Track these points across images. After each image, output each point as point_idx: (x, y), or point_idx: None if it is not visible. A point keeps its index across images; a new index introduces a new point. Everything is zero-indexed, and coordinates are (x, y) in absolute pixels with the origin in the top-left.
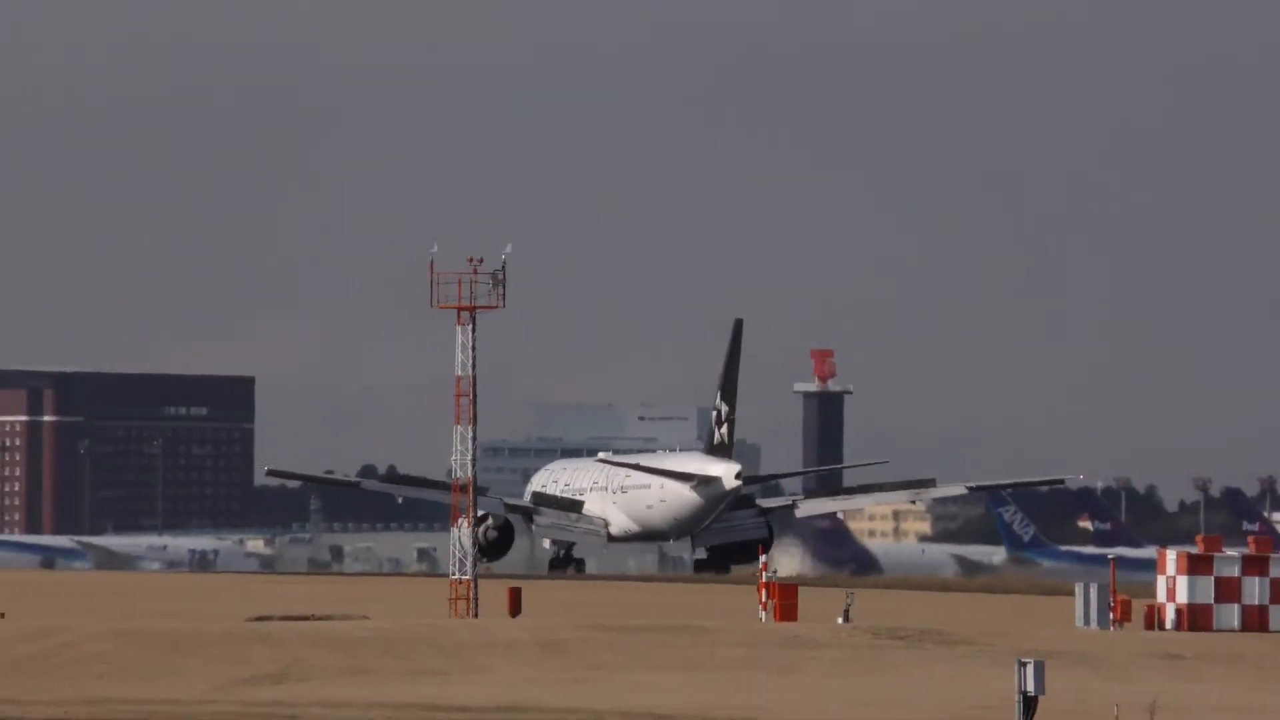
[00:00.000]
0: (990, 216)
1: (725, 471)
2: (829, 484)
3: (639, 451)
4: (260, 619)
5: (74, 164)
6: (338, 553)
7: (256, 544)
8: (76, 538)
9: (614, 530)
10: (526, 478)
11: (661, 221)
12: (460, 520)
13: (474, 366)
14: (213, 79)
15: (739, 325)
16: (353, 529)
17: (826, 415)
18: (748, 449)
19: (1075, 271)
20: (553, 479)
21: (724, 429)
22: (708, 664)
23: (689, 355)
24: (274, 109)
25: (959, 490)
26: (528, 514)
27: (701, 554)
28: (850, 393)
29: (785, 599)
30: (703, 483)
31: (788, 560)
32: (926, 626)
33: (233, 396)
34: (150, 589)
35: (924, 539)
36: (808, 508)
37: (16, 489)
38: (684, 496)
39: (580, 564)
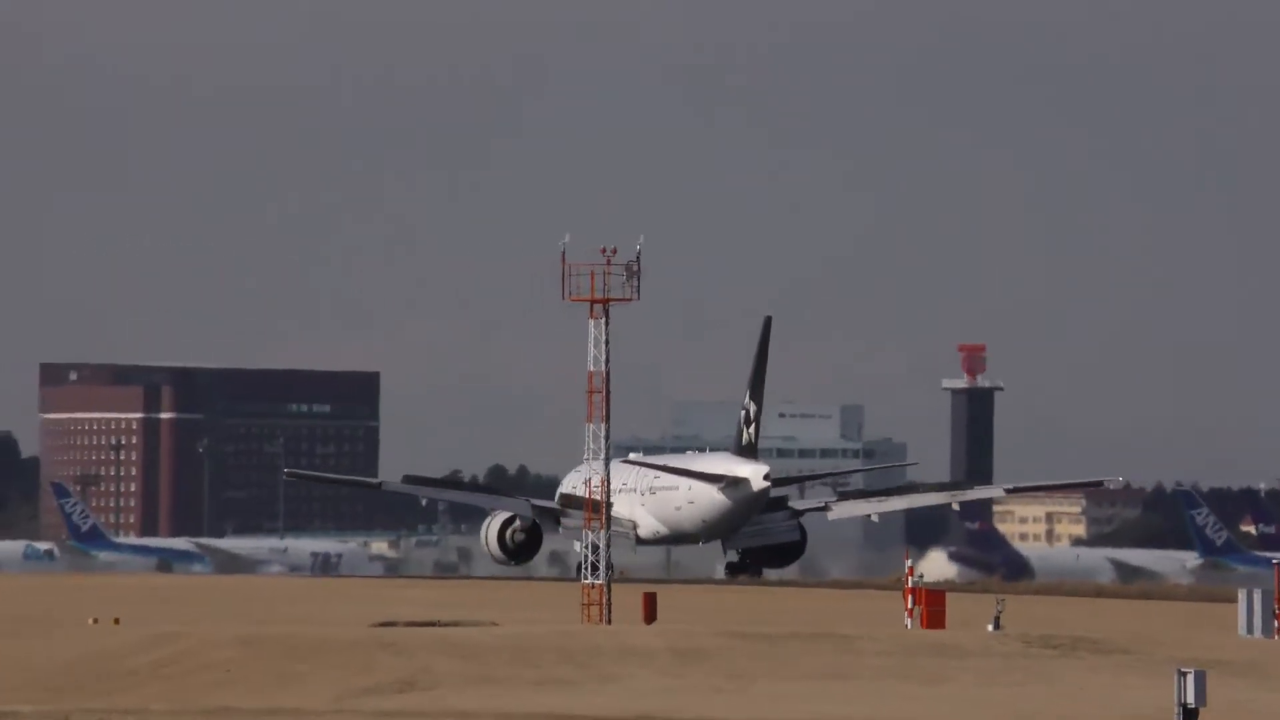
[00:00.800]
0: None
1: (753, 473)
2: (980, 477)
3: (778, 451)
4: (385, 625)
5: (201, 155)
6: (465, 555)
7: (381, 546)
8: (195, 540)
9: (642, 533)
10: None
11: (809, 219)
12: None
13: (607, 361)
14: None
15: (768, 323)
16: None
17: (976, 412)
18: (894, 448)
19: (1209, 270)
20: (583, 480)
21: (752, 429)
22: (852, 673)
23: (832, 352)
24: (444, 98)
25: (997, 492)
26: (555, 516)
27: (733, 557)
28: (1001, 389)
29: (933, 605)
30: (731, 484)
31: (936, 565)
32: (1081, 634)
33: (357, 393)
34: (272, 594)
35: (1078, 542)
36: (841, 510)
37: (132, 489)
38: (712, 498)
39: (609, 567)
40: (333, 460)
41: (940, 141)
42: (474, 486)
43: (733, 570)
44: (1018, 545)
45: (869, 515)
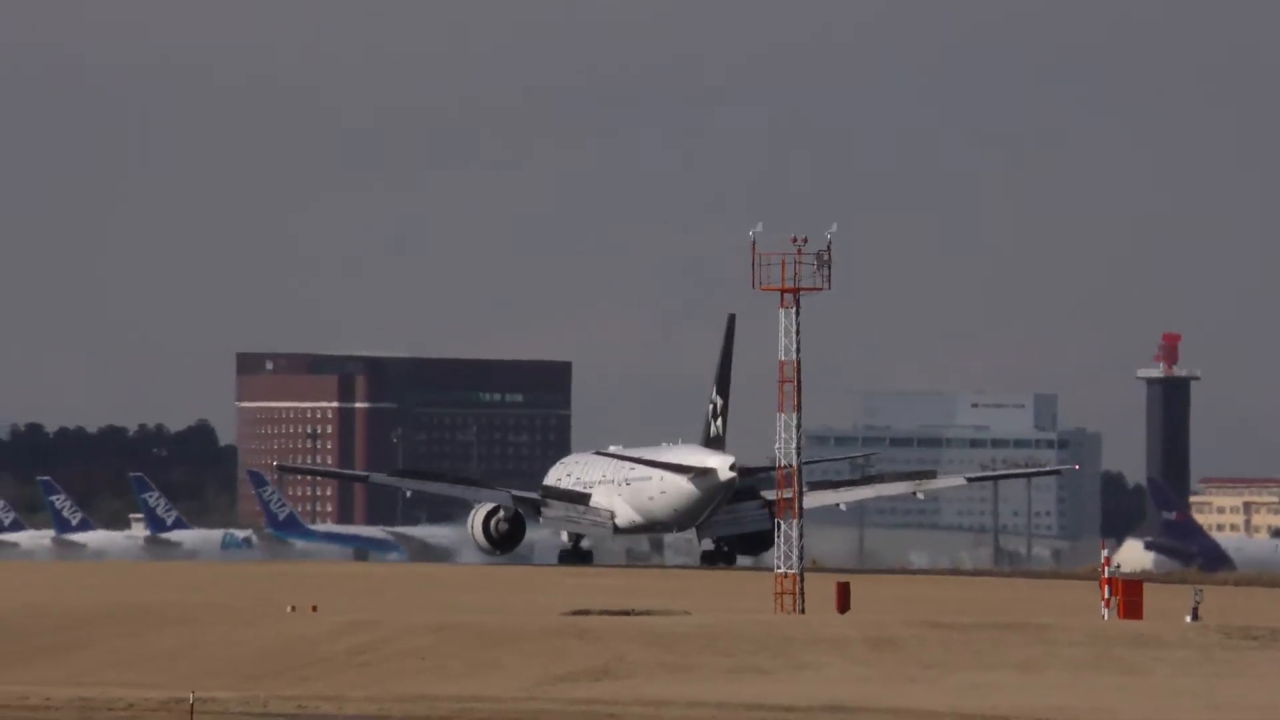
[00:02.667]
0: None
1: (720, 464)
2: (1176, 467)
3: (971, 441)
4: (579, 613)
5: (395, 145)
6: (658, 544)
7: None
8: (389, 528)
9: (619, 522)
10: (853, 465)
11: (995, 207)
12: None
13: (798, 351)
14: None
15: (732, 320)
16: None
17: (1172, 402)
18: (1088, 438)
19: None
20: (566, 472)
21: (719, 422)
22: (1047, 664)
23: (1027, 341)
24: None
25: (958, 482)
26: (536, 506)
27: (708, 545)
28: (1197, 379)
29: (1129, 596)
30: (699, 475)
31: (1132, 555)
32: None
33: (549, 382)
34: (465, 582)
35: (1277, 533)
36: (810, 499)
37: None
38: (682, 488)
39: (588, 555)
40: (525, 449)
41: (1137, 126)
42: (457, 479)
43: (708, 559)
44: (1215, 536)
45: (837, 504)
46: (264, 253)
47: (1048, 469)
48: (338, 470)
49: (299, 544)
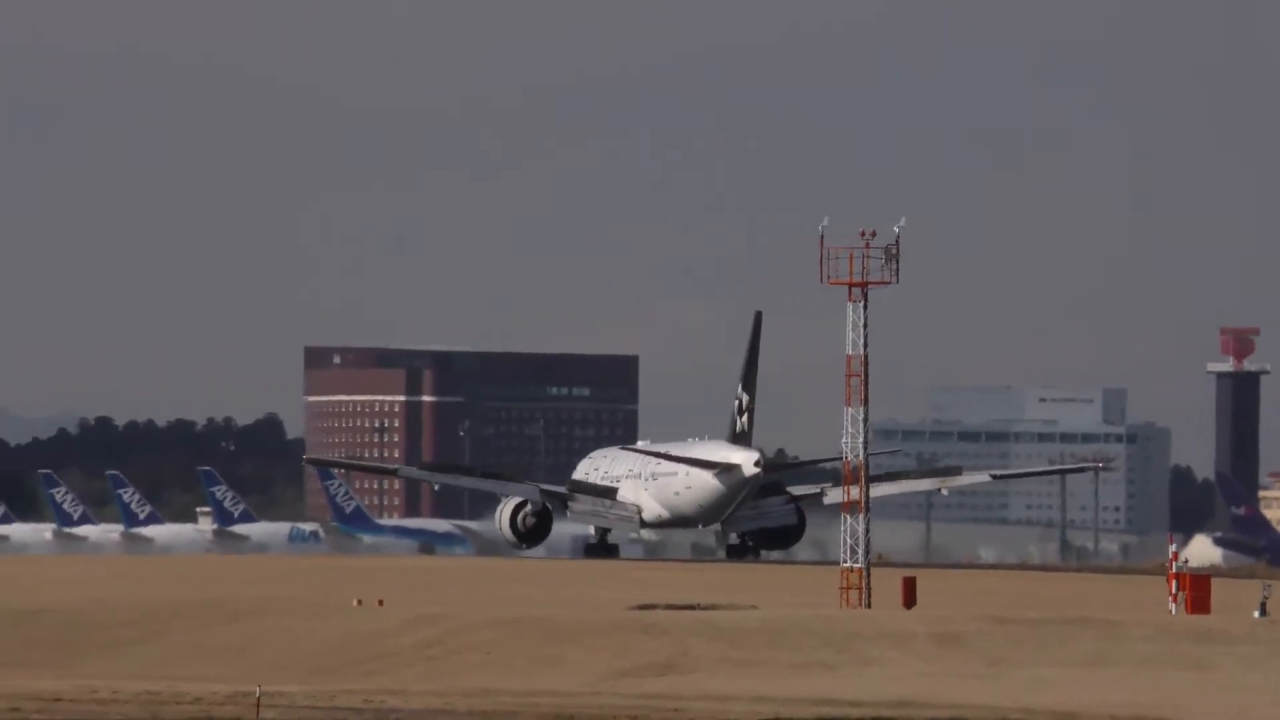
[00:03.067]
0: None
1: (745, 459)
2: (1246, 463)
3: (1039, 435)
4: (644, 607)
5: (457, 145)
6: (722, 538)
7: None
8: (456, 522)
9: (646, 516)
10: (920, 460)
11: (1064, 198)
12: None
13: (865, 345)
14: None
15: (759, 318)
16: None
17: (1242, 396)
18: (1157, 433)
19: None
20: (594, 467)
21: (744, 418)
22: (1114, 659)
23: (1095, 335)
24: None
25: (983, 479)
26: (563, 500)
27: (734, 539)
28: (1268, 372)
29: (1197, 591)
30: (724, 470)
31: (1200, 550)
32: None
33: (616, 376)
34: (531, 576)
35: None
36: (835, 495)
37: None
38: (707, 483)
39: (614, 549)
40: (592, 444)
41: (1209, 120)
42: (485, 472)
43: (733, 552)
44: None
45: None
46: (331, 249)
47: (1074, 466)
48: (368, 464)
49: (366, 538)
